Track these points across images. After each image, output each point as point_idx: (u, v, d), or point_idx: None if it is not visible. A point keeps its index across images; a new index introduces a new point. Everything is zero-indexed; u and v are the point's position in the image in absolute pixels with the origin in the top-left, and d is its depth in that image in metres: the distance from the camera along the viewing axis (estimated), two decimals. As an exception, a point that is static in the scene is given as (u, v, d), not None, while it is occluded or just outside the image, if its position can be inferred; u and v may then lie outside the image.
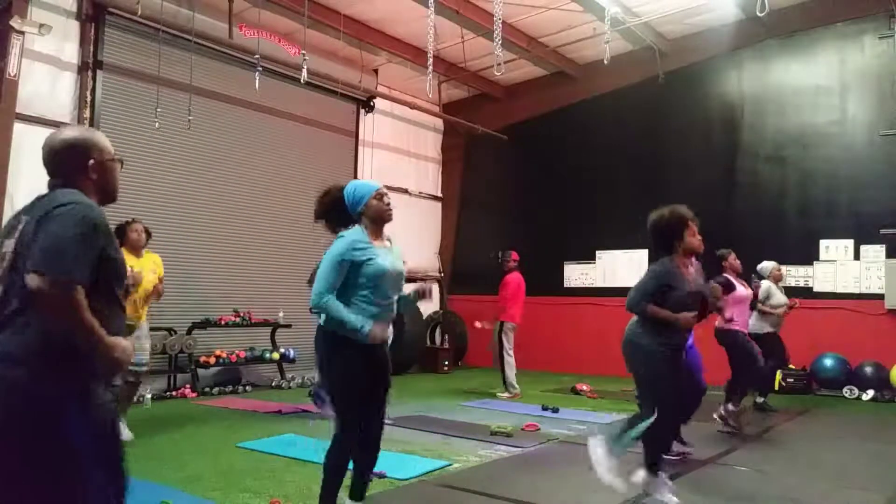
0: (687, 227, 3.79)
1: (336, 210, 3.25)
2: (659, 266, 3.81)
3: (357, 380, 3.09)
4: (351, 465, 3.28)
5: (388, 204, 3.21)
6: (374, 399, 3.20)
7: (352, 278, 3.06)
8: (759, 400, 7.09)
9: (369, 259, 3.05)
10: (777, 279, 7.22)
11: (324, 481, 3.15)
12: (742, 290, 6.25)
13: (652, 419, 3.64)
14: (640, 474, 3.79)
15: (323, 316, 3.13)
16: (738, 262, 6.40)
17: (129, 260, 5.08)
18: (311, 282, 6.25)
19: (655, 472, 3.76)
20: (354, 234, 3.11)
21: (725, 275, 6.19)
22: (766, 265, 7.30)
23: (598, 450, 3.83)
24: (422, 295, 3.41)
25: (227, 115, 9.13)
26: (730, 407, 5.92)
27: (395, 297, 3.23)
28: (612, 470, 3.76)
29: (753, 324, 6.72)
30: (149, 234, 5.41)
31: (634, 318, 3.91)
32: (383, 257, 3.10)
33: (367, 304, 3.08)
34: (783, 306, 7.09)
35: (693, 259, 3.91)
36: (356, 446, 3.19)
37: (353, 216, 3.19)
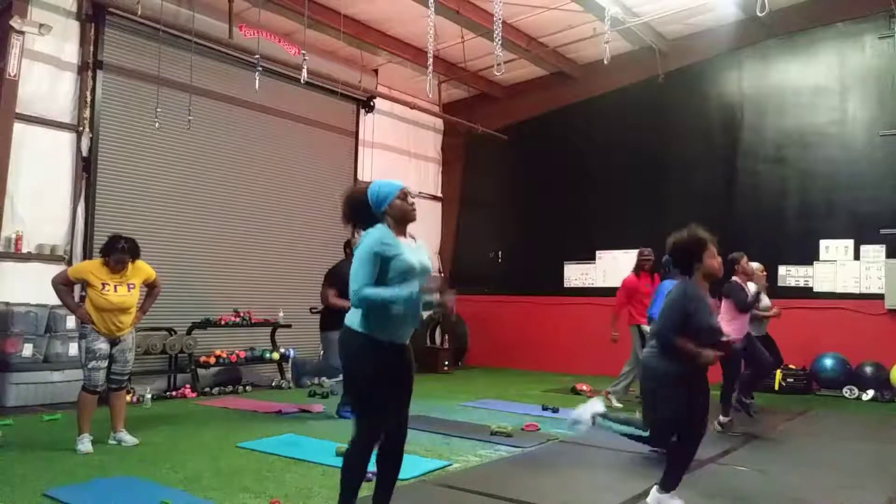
0: (706, 250, 3.68)
1: (362, 212, 3.20)
2: (680, 293, 3.67)
3: (381, 383, 3.05)
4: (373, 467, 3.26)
5: (413, 203, 3.19)
6: (396, 406, 3.16)
7: (380, 275, 3.02)
8: (747, 401, 7.03)
9: (397, 254, 3.02)
10: (760, 281, 7.17)
11: (342, 485, 3.11)
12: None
13: (643, 434, 3.66)
14: (653, 491, 3.72)
15: (352, 318, 3.08)
16: (749, 266, 6.37)
17: (102, 273, 5.03)
18: (333, 283, 6.22)
19: (668, 489, 3.69)
20: (379, 231, 3.09)
21: (735, 278, 6.13)
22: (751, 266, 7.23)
23: (589, 410, 3.90)
24: (445, 310, 3.29)
25: (227, 115, 9.13)
26: (721, 419, 5.95)
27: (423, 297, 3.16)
28: (582, 422, 3.87)
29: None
30: (136, 254, 5.16)
31: (650, 345, 3.81)
32: (410, 253, 3.09)
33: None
34: (769, 309, 7.05)
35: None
36: (380, 455, 3.17)
37: (377, 215, 3.15)
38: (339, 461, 4.45)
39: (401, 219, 3.15)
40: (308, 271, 9.28)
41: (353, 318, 3.10)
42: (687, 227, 3.79)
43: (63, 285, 5.09)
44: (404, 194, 3.16)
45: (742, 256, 6.31)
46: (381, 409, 3.09)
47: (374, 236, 3.06)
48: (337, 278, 6.12)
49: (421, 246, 3.26)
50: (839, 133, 9.20)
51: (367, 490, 3.28)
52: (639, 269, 7.66)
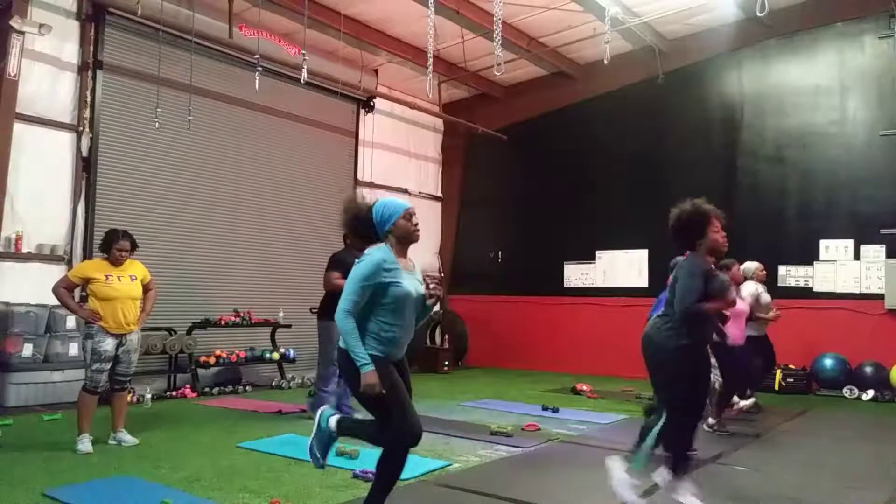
0: (710, 224, 3.59)
1: (364, 226, 3.22)
2: (691, 263, 3.59)
3: (392, 375, 3.08)
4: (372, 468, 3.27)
5: (416, 224, 3.21)
6: None
7: (376, 297, 3.06)
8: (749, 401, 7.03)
9: (395, 282, 3.05)
10: (760, 280, 7.18)
11: (378, 481, 3.16)
12: (740, 304, 6.15)
13: (662, 421, 3.54)
14: (662, 473, 3.68)
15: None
16: (740, 272, 6.39)
17: (103, 267, 5.09)
18: (338, 269, 6.19)
19: (679, 474, 3.65)
20: (382, 253, 3.10)
21: None
22: (750, 266, 7.20)
23: (617, 471, 3.71)
24: (433, 299, 3.36)
25: (227, 115, 9.13)
26: (710, 420, 5.83)
27: (414, 320, 3.23)
28: (634, 488, 3.65)
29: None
30: (134, 247, 5.25)
31: (657, 316, 3.74)
32: (407, 280, 3.11)
33: (388, 324, 3.08)
34: (771, 310, 7.04)
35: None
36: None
37: (381, 235, 3.18)
38: (339, 461, 4.49)
39: (404, 239, 3.18)
40: (308, 271, 9.28)
41: None
42: (689, 201, 3.65)
43: (64, 288, 5.10)
44: (409, 215, 3.18)
45: (733, 263, 6.26)
46: (405, 402, 3.12)
47: (374, 260, 3.07)
48: (341, 266, 6.06)
49: (416, 269, 3.28)
50: (839, 133, 9.20)
51: (363, 489, 3.28)
52: None
